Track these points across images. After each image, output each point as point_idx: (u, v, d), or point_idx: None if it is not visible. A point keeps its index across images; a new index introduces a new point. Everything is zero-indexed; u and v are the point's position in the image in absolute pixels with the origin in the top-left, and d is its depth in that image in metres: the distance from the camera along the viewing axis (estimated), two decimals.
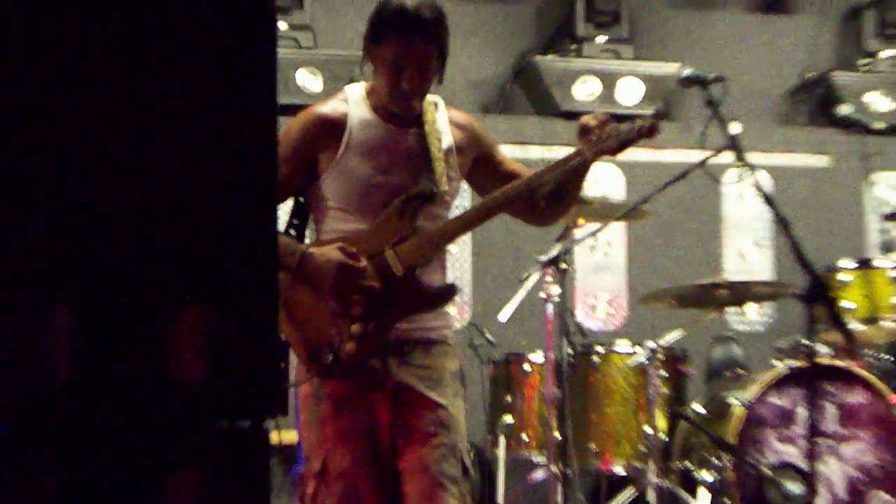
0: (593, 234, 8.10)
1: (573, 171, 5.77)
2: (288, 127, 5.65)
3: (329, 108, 5.73)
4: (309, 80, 9.28)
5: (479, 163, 5.93)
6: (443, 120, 5.80)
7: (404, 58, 5.55)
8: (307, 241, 5.79)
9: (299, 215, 5.81)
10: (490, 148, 6.00)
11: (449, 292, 5.79)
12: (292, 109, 5.66)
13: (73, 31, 3.06)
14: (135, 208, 3.13)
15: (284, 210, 5.81)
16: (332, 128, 5.65)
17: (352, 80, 6.05)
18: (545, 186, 5.77)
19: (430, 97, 5.79)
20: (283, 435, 5.03)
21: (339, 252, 5.51)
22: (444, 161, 5.70)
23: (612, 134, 5.68)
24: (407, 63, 5.55)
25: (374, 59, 5.67)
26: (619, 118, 5.94)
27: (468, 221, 5.84)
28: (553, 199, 5.92)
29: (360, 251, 5.54)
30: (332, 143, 5.62)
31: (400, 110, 5.66)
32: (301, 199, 5.81)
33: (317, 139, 5.66)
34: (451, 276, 5.95)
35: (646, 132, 5.75)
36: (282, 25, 9.06)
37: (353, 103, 5.73)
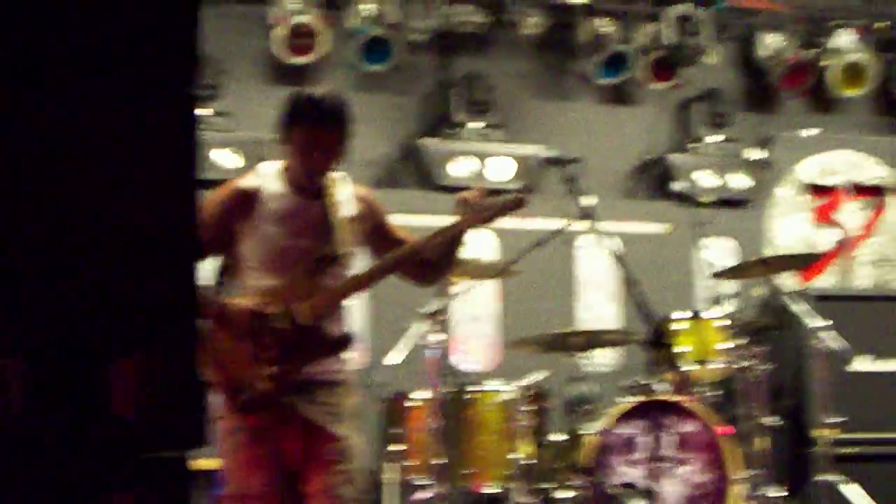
0: (468, 289, 8.16)
1: (453, 238, 5.87)
2: (210, 198, 5.69)
3: (245, 182, 5.84)
4: (228, 158, 9.25)
5: (374, 230, 6.02)
6: (346, 192, 5.86)
7: (313, 142, 5.69)
8: (226, 293, 5.78)
9: (220, 273, 5.83)
10: (383, 218, 6.09)
11: (348, 340, 5.85)
12: (209, 184, 5.67)
13: None
14: (78, 272, 3.13)
15: (212, 266, 5.87)
16: (248, 199, 5.73)
17: (263, 159, 6.07)
18: (429, 251, 5.87)
19: (336, 173, 5.86)
20: (206, 462, 5.05)
21: (252, 303, 5.58)
22: (344, 228, 5.76)
23: (487, 206, 5.82)
24: (315, 146, 5.68)
25: (286, 142, 5.75)
26: (492, 192, 6.04)
27: (364, 280, 5.92)
28: (434, 262, 6.02)
29: (273, 304, 5.58)
30: (248, 212, 5.71)
31: (309, 185, 5.77)
32: (221, 260, 5.82)
33: (234, 208, 5.73)
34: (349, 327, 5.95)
35: (515, 205, 5.91)
36: (206, 112, 9.02)
37: (268, 178, 5.82)
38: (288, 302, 5.62)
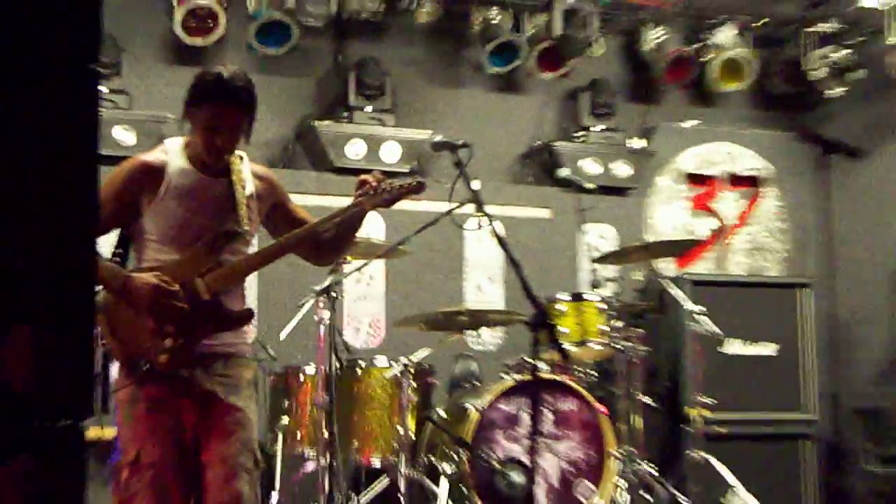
0: (359, 268, 8.15)
1: (351, 219, 5.92)
2: (114, 172, 5.72)
3: (151, 157, 5.80)
4: (124, 135, 9.18)
5: (274, 209, 6.07)
6: (246, 171, 5.92)
7: (218, 120, 5.68)
8: (128, 267, 5.76)
9: (122, 245, 5.84)
10: (284, 197, 6.14)
11: (247, 315, 5.93)
12: (109, 160, 5.62)
13: None
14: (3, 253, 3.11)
15: (110, 241, 5.84)
16: (153, 174, 5.71)
17: (160, 137, 6.07)
18: (328, 231, 5.92)
19: (236, 152, 5.85)
20: (103, 431, 5.02)
21: (155, 277, 5.55)
22: (246, 206, 5.83)
23: (386, 189, 5.88)
24: (220, 125, 5.69)
25: (192, 119, 5.75)
26: (386, 175, 6.08)
27: (264, 257, 5.96)
28: (332, 241, 6.07)
29: (174, 278, 5.61)
30: (152, 187, 5.70)
31: (212, 163, 5.76)
32: (124, 233, 5.83)
33: (139, 183, 5.71)
34: (248, 300, 5.96)
35: (414, 189, 6.01)
36: (103, 89, 8.95)
37: (172, 154, 5.81)
38: (188, 276, 5.61)
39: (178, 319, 5.56)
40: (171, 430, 5.61)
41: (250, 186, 5.86)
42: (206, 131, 5.68)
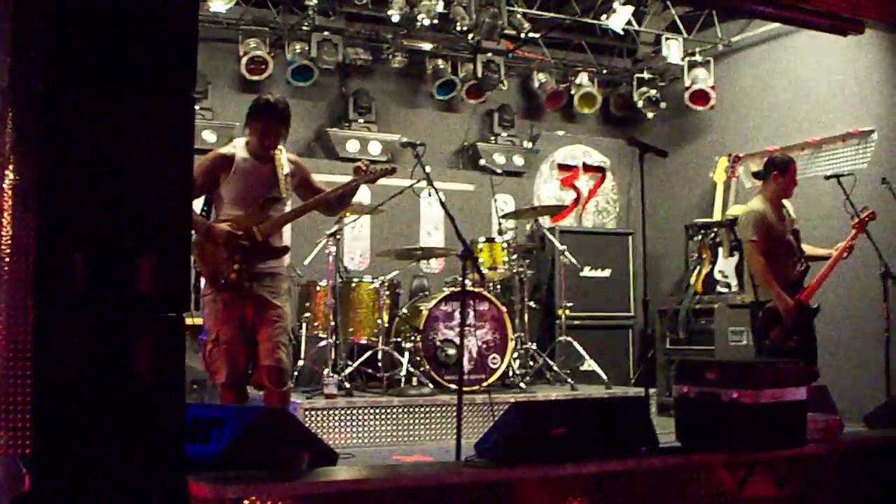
0: (353, 220, 8.14)
1: (350, 189, 6.02)
2: (203, 159, 5.80)
3: (225, 150, 5.90)
4: (208, 136, 9.15)
5: (301, 183, 6.10)
6: (284, 159, 5.93)
7: (267, 129, 5.80)
8: (211, 219, 5.83)
9: (207, 206, 5.94)
10: (308, 175, 6.16)
11: (285, 249, 5.99)
12: (199, 151, 5.60)
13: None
14: (130, 207, 3.12)
15: (198, 203, 5.94)
16: (227, 161, 5.81)
17: (231, 137, 6.10)
18: (335, 197, 6.00)
19: (278, 146, 5.95)
20: (195, 320, 5.05)
21: (227, 226, 5.64)
22: (284, 181, 5.85)
23: (372, 171, 5.98)
24: (268, 132, 5.81)
25: (251, 127, 5.84)
26: (372, 162, 6.14)
27: (296, 213, 6.04)
28: (337, 203, 6.14)
29: (240, 227, 5.69)
30: (226, 169, 5.79)
31: (262, 154, 5.83)
32: (207, 197, 5.92)
33: (218, 166, 5.80)
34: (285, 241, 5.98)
35: (389, 172, 6.11)
36: (196, 106, 8.90)
37: (238, 148, 5.91)
38: (249, 225, 5.71)
39: (242, 251, 5.62)
40: (238, 319, 5.71)
41: (286, 168, 5.90)
42: (260, 135, 5.79)
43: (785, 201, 7.21)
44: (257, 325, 5.72)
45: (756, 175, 7.89)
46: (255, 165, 5.81)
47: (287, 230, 6.17)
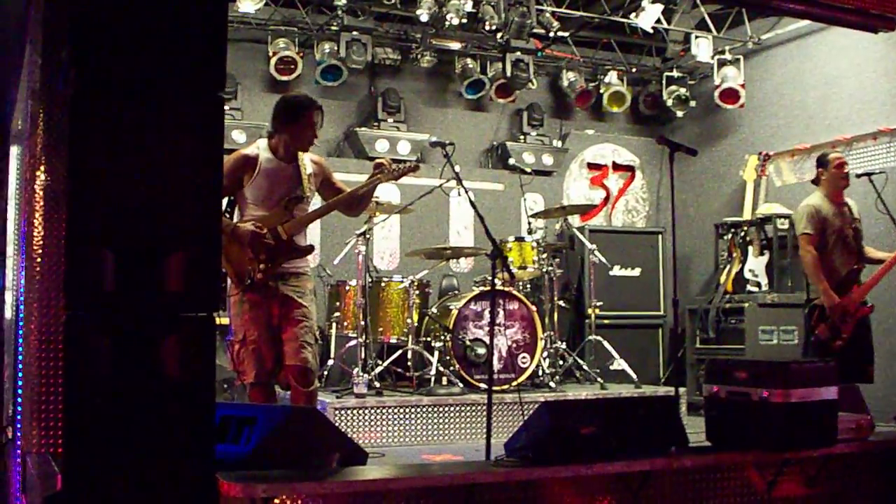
0: (383, 220, 8.13)
1: (371, 188, 5.98)
2: (227, 160, 5.69)
3: (249, 151, 5.87)
4: (238, 136, 9.17)
5: (323, 182, 6.07)
6: (307, 159, 5.92)
7: (312, 122, 5.80)
8: (234, 219, 5.81)
9: (230, 206, 5.92)
10: (330, 175, 6.13)
11: (309, 249, 5.90)
12: (227, 151, 5.62)
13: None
14: (160, 207, 3.12)
15: (223, 203, 5.93)
16: (251, 162, 5.80)
17: (259, 137, 6.06)
18: (355, 196, 5.96)
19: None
20: (221, 319, 5.07)
21: (252, 226, 5.63)
22: (307, 180, 5.84)
23: (394, 169, 5.91)
24: (315, 123, 5.82)
25: (288, 126, 5.79)
26: (398, 161, 6.14)
27: (319, 213, 6.01)
28: (357, 203, 6.14)
29: (264, 226, 5.67)
30: (250, 169, 5.77)
31: (286, 155, 5.83)
32: (231, 198, 5.89)
33: (243, 167, 5.78)
34: (310, 239, 5.98)
35: (412, 169, 6.04)
36: (226, 107, 8.93)
37: (262, 149, 5.88)
38: (273, 225, 5.70)
39: (267, 251, 5.63)
40: (264, 320, 5.69)
41: (309, 168, 5.89)
42: (307, 129, 5.77)
43: (849, 200, 7.17)
44: (283, 324, 5.68)
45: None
46: (279, 165, 5.78)
47: (316, 230, 6.18)
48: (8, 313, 6.80)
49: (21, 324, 4.74)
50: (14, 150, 7.59)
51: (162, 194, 3.32)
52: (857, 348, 6.80)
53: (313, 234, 6.33)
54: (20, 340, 4.92)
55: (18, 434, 4.96)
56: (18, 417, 5.05)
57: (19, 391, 4.82)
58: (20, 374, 4.74)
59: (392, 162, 5.97)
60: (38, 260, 3.66)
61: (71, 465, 3.16)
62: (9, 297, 6.81)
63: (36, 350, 3.67)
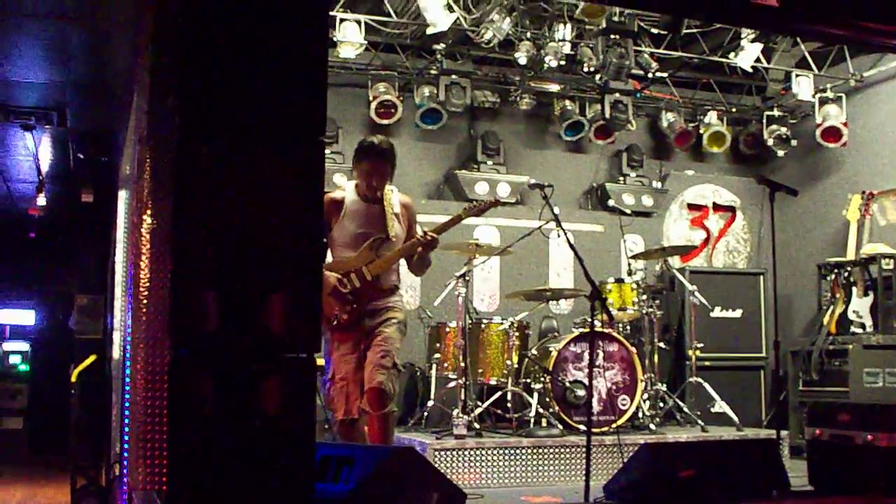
0: (483, 262, 8.12)
1: (456, 222, 6.20)
2: None
3: (336, 194, 6.15)
4: (339, 179, 9.29)
5: (408, 225, 6.24)
6: (395, 199, 6.16)
7: (373, 170, 6.00)
8: (328, 259, 6.09)
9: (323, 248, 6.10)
10: (413, 220, 6.28)
11: (394, 287, 6.14)
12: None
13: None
14: (262, 250, 3.16)
15: None
16: (338, 204, 6.08)
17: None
18: (412, 256, 6.21)
19: (389, 186, 6.16)
20: (320, 360, 5.16)
21: (334, 278, 5.91)
22: (392, 220, 6.05)
23: (475, 205, 6.27)
24: (374, 172, 6.01)
25: (357, 170, 6.08)
26: (498, 203, 6.24)
27: (400, 254, 6.15)
28: (416, 263, 6.29)
29: (350, 267, 5.93)
30: (337, 212, 6.07)
31: (370, 196, 6.06)
32: (324, 240, 6.09)
33: (329, 210, 6.02)
34: (410, 282, 6.11)
35: (493, 205, 6.38)
36: (327, 151, 9.05)
37: (348, 191, 6.17)
38: (359, 265, 5.93)
39: (353, 292, 5.90)
40: (353, 357, 5.90)
41: (397, 208, 6.10)
42: (367, 176, 6.01)
43: None
44: (367, 353, 5.90)
45: None
46: (364, 206, 6.01)
47: (414, 276, 6.26)
48: (116, 353, 6.97)
49: (128, 363, 4.83)
50: (122, 195, 7.78)
51: (264, 237, 3.35)
52: None
53: (413, 276, 6.38)
54: (127, 380, 5.02)
55: (125, 471, 5.04)
56: (125, 455, 5.13)
57: (126, 429, 4.90)
58: (127, 413, 4.82)
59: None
60: (145, 301, 3.72)
61: (174, 503, 3.19)
62: (117, 338, 6.97)
63: (142, 389, 3.73)
